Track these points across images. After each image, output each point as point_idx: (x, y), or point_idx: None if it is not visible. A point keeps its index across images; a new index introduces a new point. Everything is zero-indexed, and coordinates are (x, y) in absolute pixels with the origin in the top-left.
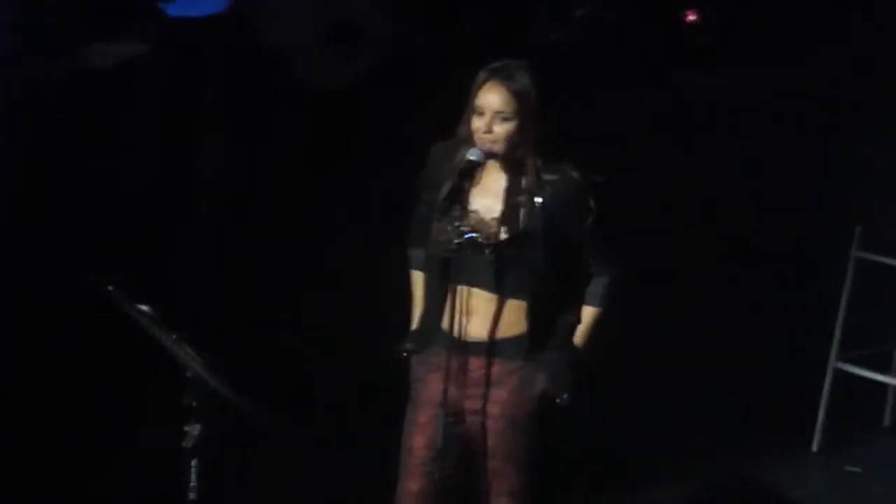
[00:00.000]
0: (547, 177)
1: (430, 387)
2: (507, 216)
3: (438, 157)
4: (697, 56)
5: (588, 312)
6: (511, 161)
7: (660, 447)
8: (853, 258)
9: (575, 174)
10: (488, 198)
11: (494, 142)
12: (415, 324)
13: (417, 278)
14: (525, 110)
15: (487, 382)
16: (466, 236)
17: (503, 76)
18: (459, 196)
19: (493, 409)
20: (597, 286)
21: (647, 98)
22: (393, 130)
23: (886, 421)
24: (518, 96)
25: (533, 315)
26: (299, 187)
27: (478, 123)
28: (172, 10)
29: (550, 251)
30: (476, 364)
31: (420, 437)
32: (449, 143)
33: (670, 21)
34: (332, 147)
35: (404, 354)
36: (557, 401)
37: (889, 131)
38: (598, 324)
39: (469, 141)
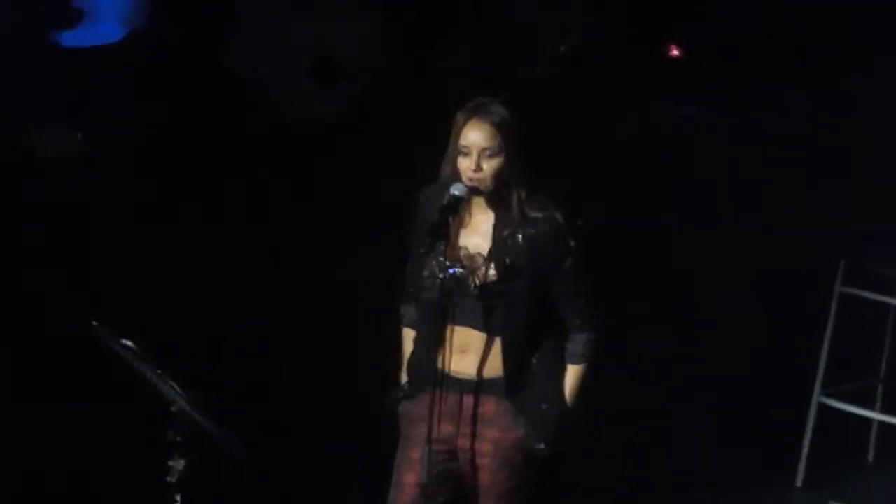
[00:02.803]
0: (531, 214)
1: (421, 425)
2: (495, 253)
3: (427, 201)
4: (683, 89)
5: (571, 371)
6: (497, 197)
7: (641, 481)
8: (837, 293)
9: (558, 214)
10: (476, 236)
11: (483, 180)
12: (403, 376)
13: (408, 334)
14: (509, 143)
15: (479, 420)
16: (451, 271)
17: (484, 113)
18: (444, 232)
19: (486, 448)
20: (577, 344)
21: (631, 133)
22: (372, 167)
23: (870, 456)
24: (501, 130)
25: (509, 353)
26: (278, 223)
27: (465, 164)
28: (66, 41)
29: (532, 290)
30: (466, 402)
31: (412, 473)
32: (434, 186)
33: (654, 55)
34: (310, 182)
35: (399, 400)
36: (536, 449)
37: (873, 166)
38: (582, 380)
39: (454, 181)
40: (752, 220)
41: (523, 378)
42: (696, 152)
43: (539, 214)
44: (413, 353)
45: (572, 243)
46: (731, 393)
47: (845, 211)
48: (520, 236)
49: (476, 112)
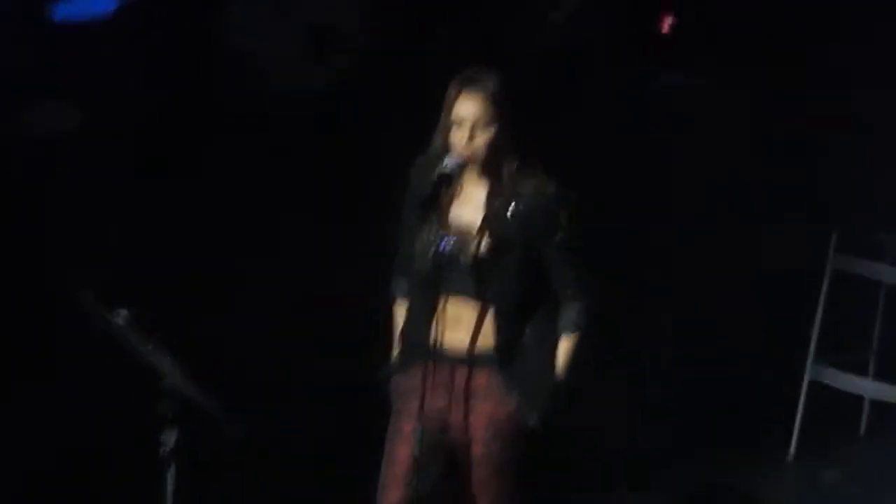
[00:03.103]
0: (522, 186)
1: (413, 398)
2: (487, 225)
3: (419, 174)
4: (675, 59)
5: (563, 342)
6: (489, 169)
7: (635, 456)
8: (829, 267)
9: (549, 186)
10: (467, 208)
11: (476, 151)
12: (395, 349)
13: (399, 308)
14: (502, 114)
15: (472, 393)
16: (443, 244)
17: (476, 84)
18: (436, 205)
19: (479, 420)
20: (570, 312)
21: (625, 103)
22: (371, 137)
23: (863, 429)
24: (495, 101)
25: (501, 325)
26: (277, 192)
27: (457, 135)
28: (59, 13)
29: (524, 262)
30: (459, 374)
31: (405, 446)
32: (425, 159)
33: (648, 25)
34: (310, 153)
35: (392, 373)
36: (528, 423)
37: (866, 140)
38: (574, 350)
39: (446, 153)
40: (744, 193)
41: (516, 350)
42: (687, 122)
43: (531, 187)
44: (405, 325)
45: (564, 216)
46: (724, 366)
47: (838, 182)
48: (511, 209)
49: (468, 83)
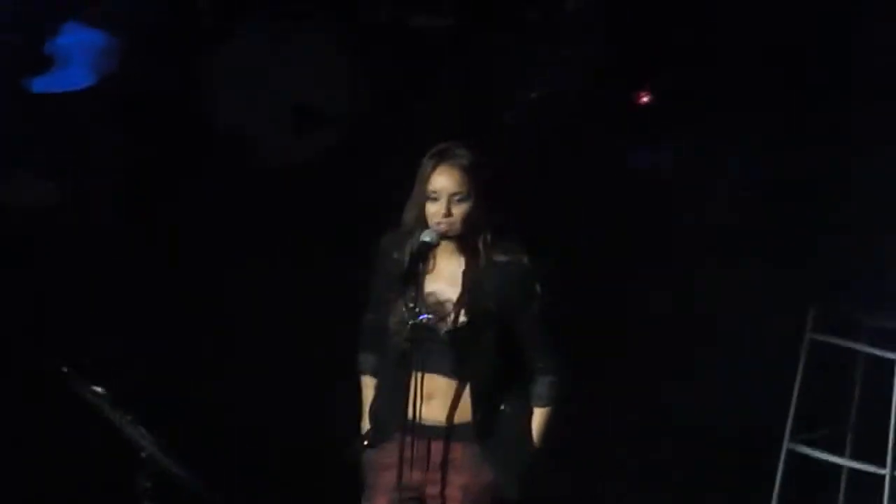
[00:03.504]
0: (497, 258)
1: (388, 473)
2: (464, 298)
3: (388, 248)
4: (652, 135)
5: (537, 414)
6: (463, 241)
7: None
8: (807, 340)
9: (524, 258)
10: (442, 281)
11: (453, 224)
12: (366, 425)
13: (367, 383)
14: (477, 187)
15: (449, 466)
16: (421, 317)
17: (451, 157)
18: (414, 279)
19: (455, 493)
20: (542, 386)
21: (601, 179)
22: (352, 210)
23: (841, 502)
24: (469, 174)
25: (477, 398)
26: (256, 266)
27: (434, 208)
28: (36, 86)
29: (500, 334)
30: (435, 448)
31: None
32: (397, 233)
33: (625, 102)
34: (291, 226)
35: (363, 449)
36: (505, 495)
37: (842, 213)
38: (548, 423)
39: (419, 227)
40: (723, 266)
41: (491, 422)
42: (664, 199)
43: (506, 258)
44: (377, 400)
45: (538, 287)
46: (701, 439)
47: (815, 258)
48: (487, 280)
49: (444, 157)
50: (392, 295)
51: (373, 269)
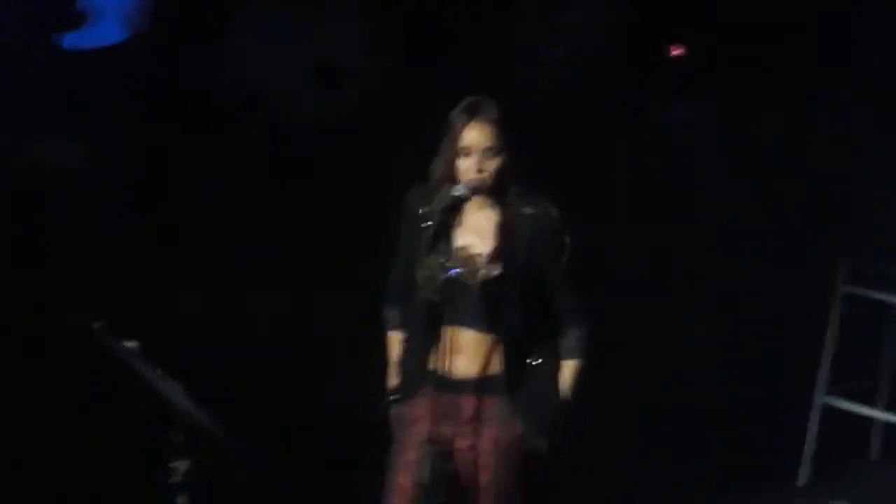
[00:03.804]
0: (526, 210)
1: (417, 427)
2: (494, 251)
3: (415, 203)
4: (683, 91)
5: (567, 366)
6: (493, 195)
7: (644, 482)
8: (839, 292)
9: (552, 210)
10: (472, 234)
11: (485, 179)
12: (394, 380)
13: (394, 338)
14: (507, 141)
15: (478, 419)
16: (452, 272)
17: (482, 113)
18: (444, 233)
19: (485, 446)
20: (572, 339)
21: (630, 137)
22: (375, 167)
23: (873, 455)
24: (500, 128)
25: (506, 351)
26: (278, 230)
27: (467, 164)
28: (67, 42)
29: (529, 287)
30: (466, 402)
31: (408, 476)
32: (424, 188)
33: (655, 57)
34: (312, 185)
35: (391, 404)
36: (534, 447)
37: (874, 166)
38: (577, 375)
39: (448, 182)
40: (755, 220)
41: (520, 375)
42: (694, 154)
43: (534, 210)
44: (405, 354)
45: (568, 239)
46: (734, 392)
47: (847, 212)
48: (517, 233)
49: (474, 112)
50: (420, 249)
51: (399, 224)
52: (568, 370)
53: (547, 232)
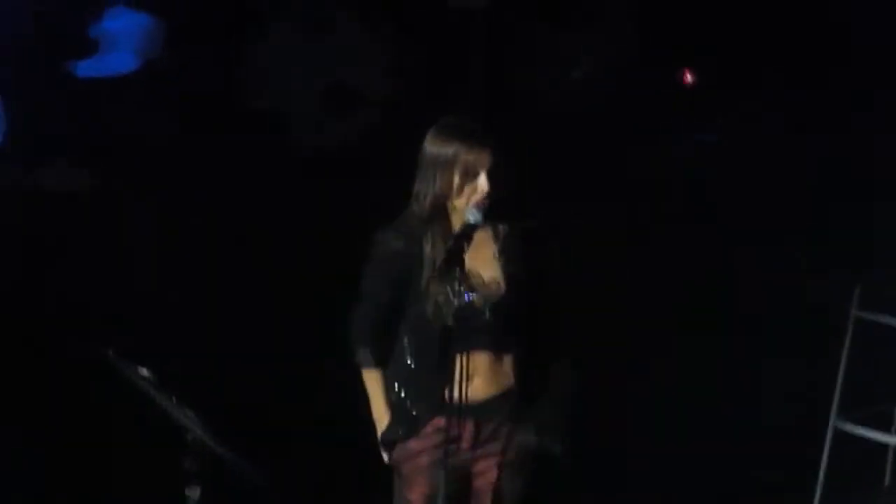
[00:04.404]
0: (522, 226)
1: (423, 457)
2: (508, 274)
3: (389, 241)
4: (695, 116)
5: (567, 373)
6: (498, 218)
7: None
8: (853, 318)
9: (540, 225)
10: (477, 259)
11: (488, 199)
12: (381, 419)
13: (373, 377)
14: (507, 161)
15: (494, 440)
16: (468, 298)
17: (476, 133)
18: (457, 260)
19: (502, 464)
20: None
21: (644, 160)
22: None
23: (887, 480)
24: (496, 147)
25: (517, 369)
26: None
27: (470, 187)
28: (81, 71)
29: (534, 300)
30: (481, 426)
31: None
32: (397, 223)
33: (667, 82)
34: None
35: (395, 444)
36: (552, 451)
37: (888, 191)
38: (578, 381)
39: (441, 207)
40: (768, 244)
41: (532, 388)
42: (707, 179)
43: (528, 225)
44: (412, 384)
45: (562, 251)
46: (749, 417)
47: (861, 235)
48: (516, 250)
49: (473, 134)
50: (436, 276)
51: (369, 264)
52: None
53: (544, 245)
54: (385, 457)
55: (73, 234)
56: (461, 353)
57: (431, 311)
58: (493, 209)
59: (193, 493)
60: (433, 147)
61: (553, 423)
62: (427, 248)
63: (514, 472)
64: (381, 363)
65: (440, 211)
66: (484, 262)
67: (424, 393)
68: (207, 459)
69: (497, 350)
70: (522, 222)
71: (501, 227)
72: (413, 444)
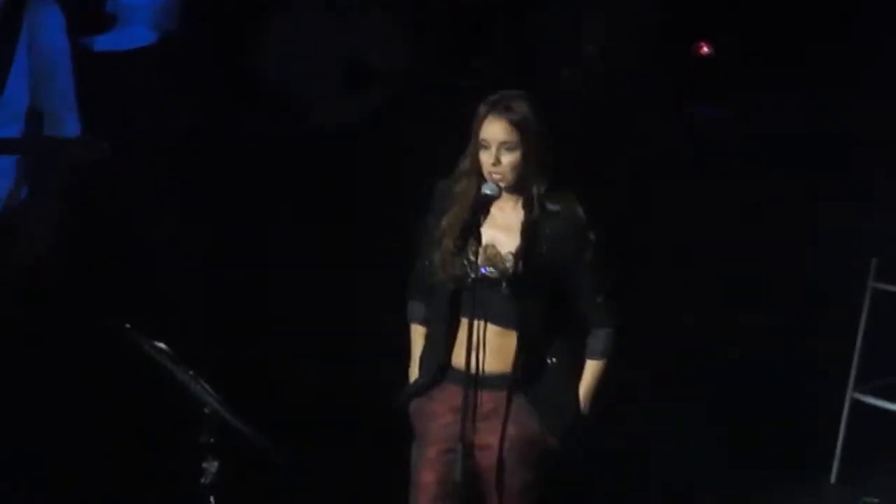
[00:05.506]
0: (550, 208)
1: (438, 422)
2: (524, 248)
3: (442, 194)
4: (709, 89)
5: (591, 367)
6: (517, 192)
7: (675, 478)
8: (870, 289)
9: (578, 208)
10: (499, 231)
11: (503, 173)
12: (414, 374)
13: (418, 331)
14: (527, 139)
15: (496, 416)
16: (483, 271)
17: (503, 108)
18: (473, 231)
19: (505, 444)
20: (597, 340)
21: (657, 133)
22: (403, 169)
23: None
24: (519, 126)
25: (528, 348)
26: (307, 228)
27: (485, 157)
28: (98, 45)
29: (553, 283)
30: (487, 398)
31: (430, 472)
32: (449, 180)
33: (682, 54)
34: (341, 187)
35: (411, 399)
36: (550, 444)
37: None
38: (601, 377)
39: (473, 174)
40: (787, 217)
41: (539, 373)
42: (723, 152)
43: (558, 208)
44: (426, 348)
45: (592, 237)
46: (766, 390)
47: (877, 207)
48: (542, 230)
49: (495, 106)
50: (452, 246)
51: (422, 215)
52: (591, 371)
53: (571, 229)
54: (395, 406)
55: (91, 208)
56: (471, 323)
57: (446, 277)
58: (518, 183)
59: (210, 466)
60: (474, 118)
61: (554, 416)
62: (445, 219)
63: (519, 457)
64: (430, 318)
65: (471, 182)
66: (506, 235)
67: (437, 357)
68: (224, 433)
69: (510, 327)
70: (563, 205)
71: (536, 206)
72: (424, 405)
